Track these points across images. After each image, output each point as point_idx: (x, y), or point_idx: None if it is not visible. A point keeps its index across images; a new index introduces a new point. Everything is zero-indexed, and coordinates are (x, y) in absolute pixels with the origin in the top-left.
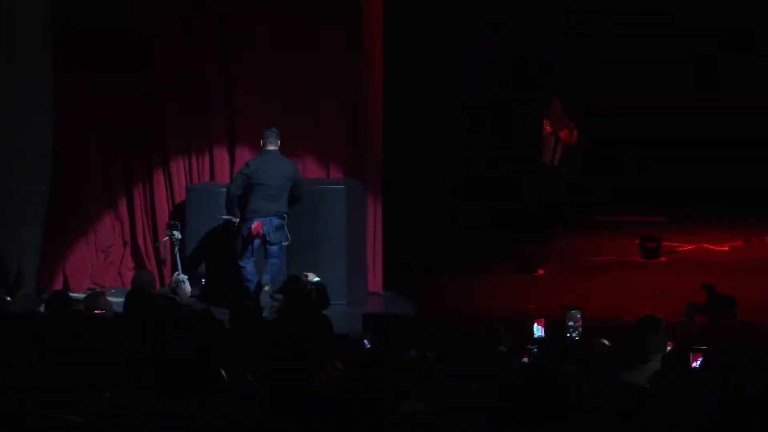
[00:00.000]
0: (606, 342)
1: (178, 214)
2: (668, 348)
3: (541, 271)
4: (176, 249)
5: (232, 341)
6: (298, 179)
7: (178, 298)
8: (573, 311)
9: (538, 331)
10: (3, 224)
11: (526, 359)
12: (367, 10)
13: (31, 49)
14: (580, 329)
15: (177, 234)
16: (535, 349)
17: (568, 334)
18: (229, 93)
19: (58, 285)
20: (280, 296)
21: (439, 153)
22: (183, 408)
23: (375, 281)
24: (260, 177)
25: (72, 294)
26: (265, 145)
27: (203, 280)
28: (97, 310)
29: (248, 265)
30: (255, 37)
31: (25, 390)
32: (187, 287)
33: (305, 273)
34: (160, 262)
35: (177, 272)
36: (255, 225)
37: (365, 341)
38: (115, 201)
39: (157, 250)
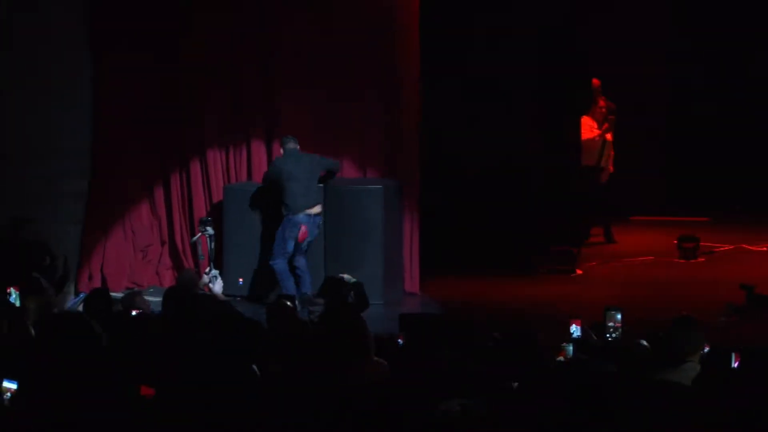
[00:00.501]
0: (644, 342)
1: (216, 213)
2: (706, 349)
3: (579, 271)
4: (211, 245)
5: (270, 341)
6: (321, 159)
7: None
8: (613, 312)
9: (575, 331)
10: (45, 223)
11: (561, 358)
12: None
13: (71, 48)
14: (621, 330)
15: (210, 230)
16: (570, 348)
17: (608, 335)
18: (267, 92)
19: (97, 284)
20: (320, 300)
21: (478, 150)
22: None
23: (412, 281)
24: (292, 172)
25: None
26: (285, 145)
27: (241, 280)
28: (134, 309)
29: (282, 264)
30: (295, 35)
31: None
32: (220, 283)
33: (341, 274)
34: (197, 259)
35: (209, 268)
36: (302, 233)
37: (399, 340)
38: (153, 200)
39: (194, 246)
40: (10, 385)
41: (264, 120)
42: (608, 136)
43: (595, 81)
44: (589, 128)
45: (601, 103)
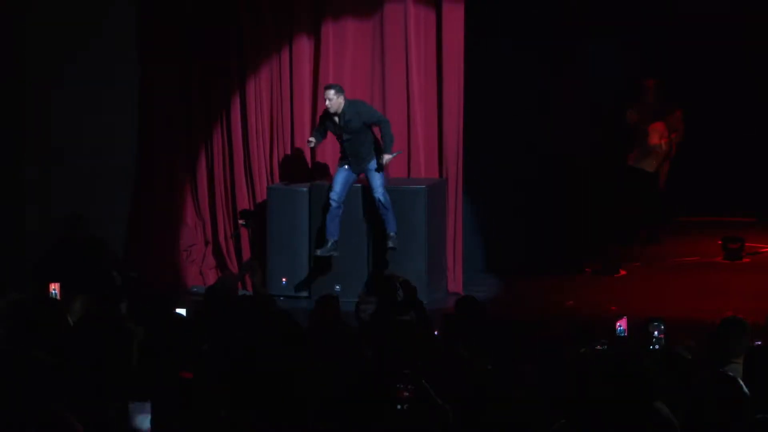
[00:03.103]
0: (686, 350)
1: (259, 213)
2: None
3: (623, 272)
4: (251, 237)
5: (310, 342)
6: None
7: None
8: (656, 323)
9: (621, 330)
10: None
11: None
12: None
13: (120, 48)
14: (663, 341)
15: (249, 222)
16: (605, 345)
17: (651, 346)
18: (314, 94)
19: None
20: (372, 298)
21: (526, 149)
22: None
23: (455, 281)
24: None
25: None
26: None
27: (284, 280)
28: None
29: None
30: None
31: None
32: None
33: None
34: (239, 252)
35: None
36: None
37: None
38: (197, 200)
39: (236, 238)
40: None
41: (309, 121)
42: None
43: (649, 82)
44: (658, 135)
45: (678, 113)
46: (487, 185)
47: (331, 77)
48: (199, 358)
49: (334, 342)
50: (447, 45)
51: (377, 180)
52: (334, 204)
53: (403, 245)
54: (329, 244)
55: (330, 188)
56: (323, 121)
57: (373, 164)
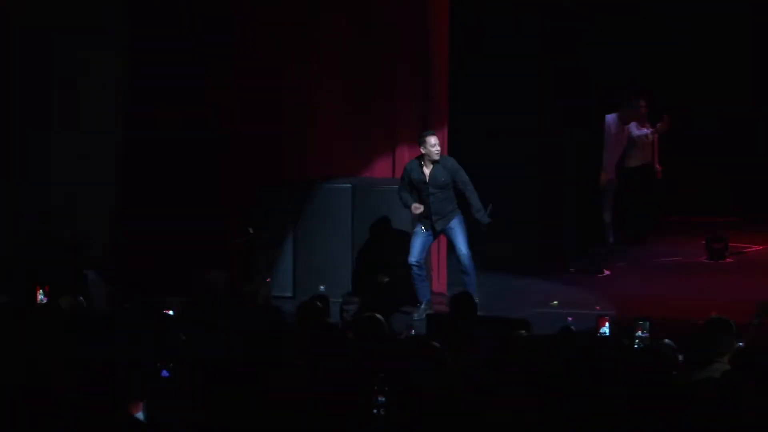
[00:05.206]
0: (670, 342)
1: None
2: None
3: (607, 272)
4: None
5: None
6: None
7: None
8: (641, 322)
9: (604, 330)
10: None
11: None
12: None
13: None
14: (648, 341)
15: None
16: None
17: (636, 346)
18: (302, 94)
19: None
20: (355, 299)
21: (517, 150)
22: None
23: (439, 281)
24: None
25: None
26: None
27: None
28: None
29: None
30: (335, 39)
31: None
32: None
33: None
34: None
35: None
36: None
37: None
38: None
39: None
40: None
41: (297, 122)
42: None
43: (642, 103)
44: (636, 127)
45: (642, 102)
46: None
47: None
48: (181, 355)
49: (320, 343)
50: (434, 47)
51: (462, 243)
52: (416, 268)
53: (388, 245)
54: (423, 305)
55: (408, 252)
56: (408, 175)
57: (455, 222)
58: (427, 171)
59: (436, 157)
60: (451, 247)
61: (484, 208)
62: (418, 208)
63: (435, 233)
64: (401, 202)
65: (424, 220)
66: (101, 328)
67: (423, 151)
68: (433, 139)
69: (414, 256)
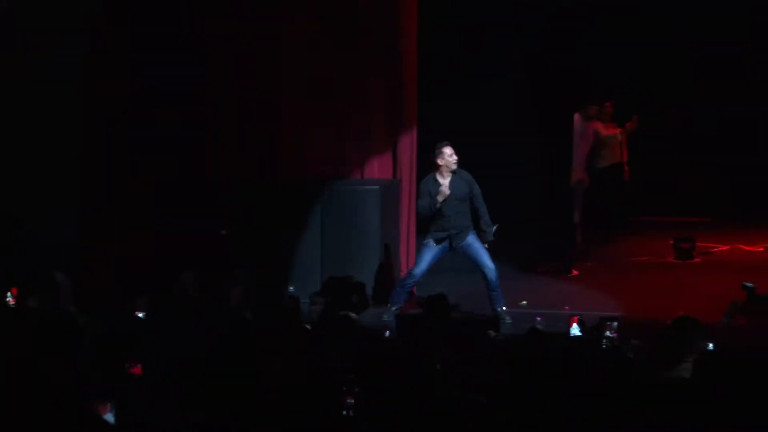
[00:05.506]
0: (636, 342)
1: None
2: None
3: (575, 272)
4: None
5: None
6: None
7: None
8: (609, 322)
9: (574, 330)
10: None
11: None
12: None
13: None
14: (616, 340)
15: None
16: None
17: (604, 345)
18: (274, 97)
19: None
20: (321, 299)
21: (487, 151)
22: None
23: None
24: None
25: None
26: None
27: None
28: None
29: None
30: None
31: None
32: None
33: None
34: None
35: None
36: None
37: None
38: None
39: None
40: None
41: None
42: (629, 125)
43: (608, 104)
44: (603, 128)
45: (607, 103)
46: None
47: None
48: (149, 356)
49: (289, 344)
50: (404, 46)
51: (485, 256)
52: (415, 279)
53: (357, 245)
54: (394, 307)
55: (415, 264)
56: (428, 190)
57: (472, 238)
58: (445, 183)
59: (455, 167)
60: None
61: (492, 225)
62: (443, 193)
63: (447, 249)
64: (424, 213)
65: (437, 233)
66: (68, 329)
67: (440, 162)
68: (449, 150)
69: (421, 269)
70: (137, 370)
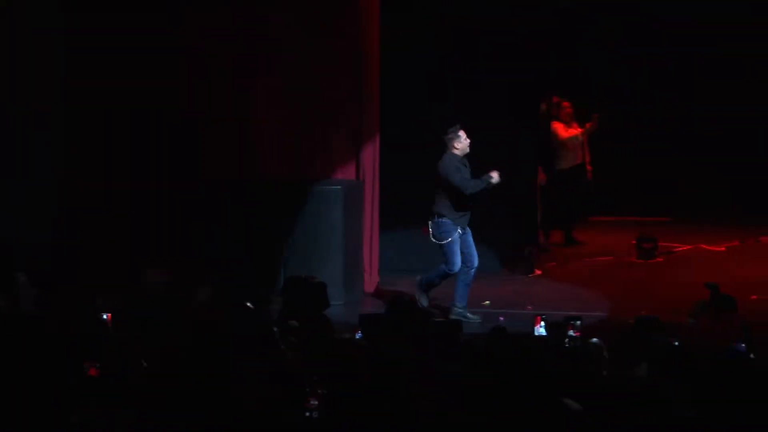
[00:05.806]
0: (597, 341)
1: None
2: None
3: (538, 272)
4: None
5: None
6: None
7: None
8: (572, 321)
9: (540, 329)
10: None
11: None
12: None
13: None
14: (579, 339)
15: None
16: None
17: (567, 345)
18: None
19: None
20: (279, 299)
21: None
22: None
23: (371, 281)
24: None
25: None
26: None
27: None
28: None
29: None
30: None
31: None
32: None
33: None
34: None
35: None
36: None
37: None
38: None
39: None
40: None
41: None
42: (589, 125)
43: (565, 103)
44: (564, 128)
45: (565, 103)
46: (403, 187)
47: None
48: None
49: (251, 346)
50: (365, 47)
51: (473, 247)
52: (467, 268)
53: (320, 246)
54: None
55: (450, 261)
56: (456, 164)
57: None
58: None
59: (467, 150)
60: (382, 246)
61: None
62: (493, 176)
63: (461, 233)
64: (476, 190)
65: (461, 220)
66: (30, 331)
67: (457, 146)
68: (463, 133)
69: (458, 264)
70: (93, 372)
